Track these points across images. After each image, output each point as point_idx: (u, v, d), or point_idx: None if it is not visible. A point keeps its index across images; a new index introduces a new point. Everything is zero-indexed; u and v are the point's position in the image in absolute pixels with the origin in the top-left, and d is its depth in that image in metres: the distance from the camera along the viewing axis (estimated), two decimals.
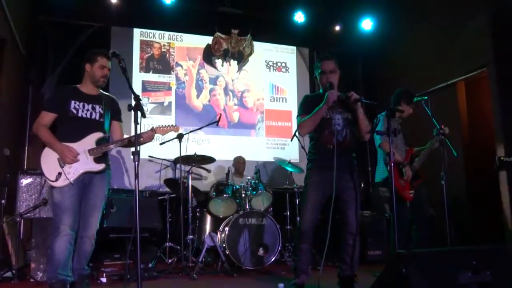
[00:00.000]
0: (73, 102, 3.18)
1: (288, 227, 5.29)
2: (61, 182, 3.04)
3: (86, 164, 3.11)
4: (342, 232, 3.21)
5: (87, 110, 3.21)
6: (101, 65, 3.22)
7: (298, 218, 5.10)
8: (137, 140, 2.68)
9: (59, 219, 3.03)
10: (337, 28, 7.05)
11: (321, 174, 3.14)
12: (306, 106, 3.28)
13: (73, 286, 3.11)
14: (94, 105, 3.24)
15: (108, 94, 3.42)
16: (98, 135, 3.18)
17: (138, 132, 2.70)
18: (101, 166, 3.16)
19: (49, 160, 3.08)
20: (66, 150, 3.05)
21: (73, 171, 3.07)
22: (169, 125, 3.37)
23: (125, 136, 3.38)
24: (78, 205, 3.12)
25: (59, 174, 3.05)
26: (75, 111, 3.17)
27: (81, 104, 3.20)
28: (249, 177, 5.16)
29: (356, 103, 3.16)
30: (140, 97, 2.81)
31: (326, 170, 3.08)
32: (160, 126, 3.34)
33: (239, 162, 5.86)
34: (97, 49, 3.33)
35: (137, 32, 6.56)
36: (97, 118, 3.24)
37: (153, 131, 3.24)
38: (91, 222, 3.14)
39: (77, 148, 3.10)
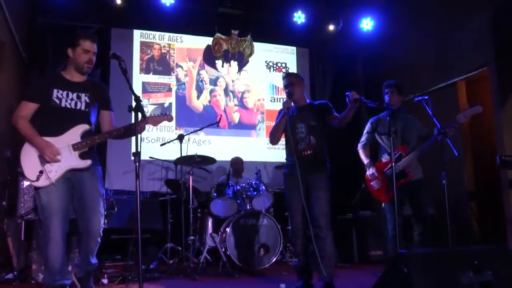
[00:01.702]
0: (55, 90, 2.88)
1: (289, 227, 5.28)
2: (42, 182, 2.76)
3: (70, 160, 2.82)
4: (312, 228, 3.35)
5: (71, 99, 2.91)
6: (84, 49, 2.91)
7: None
8: (137, 141, 2.65)
9: (48, 223, 2.78)
10: (337, 28, 7.05)
11: (293, 178, 3.37)
12: (277, 119, 3.65)
13: (81, 282, 3.02)
14: (80, 94, 2.94)
15: (95, 80, 3.14)
16: (83, 127, 2.89)
17: (138, 133, 2.67)
18: (87, 163, 2.87)
19: (29, 157, 2.79)
20: (46, 146, 2.76)
21: (55, 169, 2.78)
22: (161, 115, 3.09)
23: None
24: (67, 206, 2.87)
25: (41, 172, 2.76)
26: (57, 101, 2.87)
27: (64, 93, 2.90)
28: (249, 178, 5.16)
29: (355, 103, 3.26)
30: (141, 98, 2.73)
31: (296, 174, 3.33)
32: (152, 115, 3.04)
33: (237, 163, 5.87)
34: (81, 30, 3.04)
35: (137, 34, 6.57)
36: (83, 108, 2.93)
37: (144, 122, 2.87)
38: (93, 224, 2.89)
39: (60, 142, 2.82)
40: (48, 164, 2.78)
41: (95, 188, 2.93)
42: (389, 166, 3.80)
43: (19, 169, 2.83)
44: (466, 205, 5.34)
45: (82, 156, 2.88)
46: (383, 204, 3.96)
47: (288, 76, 3.72)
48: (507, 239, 4.69)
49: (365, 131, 4.11)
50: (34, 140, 2.79)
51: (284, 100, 3.55)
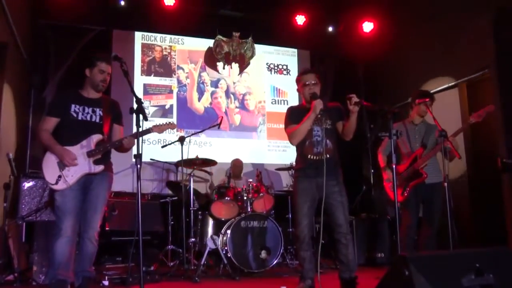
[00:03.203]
0: (73, 105, 3.22)
1: (290, 229, 5.28)
2: (60, 185, 3.08)
3: (85, 166, 3.14)
4: (335, 234, 3.37)
5: (87, 113, 3.24)
6: (100, 69, 3.24)
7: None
8: (139, 143, 2.68)
9: (61, 221, 3.06)
10: (338, 30, 7.06)
11: (308, 181, 3.37)
12: (293, 117, 3.49)
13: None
14: (95, 108, 3.28)
15: (109, 97, 3.45)
16: (97, 137, 3.21)
17: (140, 135, 2.71)
18: (100, 168, 3.18)
19: (49, 164, 3.12)
20: (65, 153, 3.08)
21: (71, 174, 3.10)
22: (166, 123, 3.37)
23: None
24: (80, 207, 3.15)
25: (59, 177, 3.08)
26: (75, 115, 3.21)
27: (81, 108, 3.24)
28: (250, 180, 5.16)
29: (356, 106, 3.24)
30: (142, 100, 2.81)
31: (311, 177, 3.34)
32: (157, 124, 3.33)
33: (236, 166, 5.86)
34: (98, 53, 3.33)
35: (138, 36, 6.58)
36: (97, 120, 3.26)
37: (149, 131, 3.23)
38: (92, 224, 3.15)
39: (76, 150, 3.14)
40: (65, 169, 3.10)
41: (102, 191, 3.24)
42: (405, 168, 3.94)
43: (41, 174, 3.22)
44: (467, 208, 5.33)
45: (96, 162, 3.19)
46: (398, 204, 3.96)
47: (313, 73, 3.53)
48: (509, 241, 4.68)
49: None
50: (54, 148, 3.12)
51: (316, 100, 3.31)
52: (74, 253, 3.14)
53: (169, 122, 3.37)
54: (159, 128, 3.30)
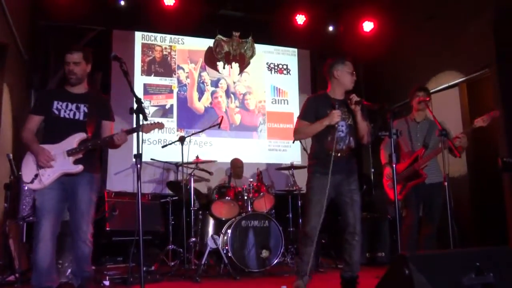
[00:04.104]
0: (55, 102, 3.10)
1: (291, 229, 5.29)
2: (35, 185, 2.98)
3: (62, 165, 3.00)
4: (344, 232, 3.31)
5: (70, 110, 3.11)
6: (65, 61, 3.12)
7: (300, 221, 5.12)
8: (139, 143, 2.66)
9: (40, 222, 2.96)
10: (338, 30, 7.05)
11: (324, 178, 3.20)
12: (308, 110, 3.35)
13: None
14: (79, 104, 3.13)
15: (97, 92, 3.27)
16: (79, 136, 3.06)
17: (140, 136, 2.69)
18: (79, 168, 3.02)
19: (28, 162, 3.03)
20: (40, 152, 2.97)
21: (48, 173, 2.98)
22: (153, 123, 3.15)
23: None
24: (60, 208, 3.04)
25: (35, 176, 2.98)
26: (57, 112, 3.08)
27: (64, 104, 3.11)
28: (251, 179, 5.16)
29: (357, 105, 3.20)
30: (142, 100, 2.78)
31: (330, 174, 3.16)
32: (144, 124, 3.01)
33: (237, 166, 5.84)
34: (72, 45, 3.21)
35: (138, 35, 6.58)
36: (81, 118, 3.11)
37: (124, 133, 3.04)
38: (82, 227, 3.05)
39: (57, 149, 3.01)
40: (42, 169, 2.97)
41: (87, 194, 3.08)
42: (406, 167, 3.93)
43: (20, 172, 3.08)
44: (468, 207, 5.33)
45: (76, 162, 3.04)
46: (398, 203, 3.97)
47: (352, 62, 3.37)
48: (509, 241, 4.68)
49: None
50: (31, 147, 3.02)
51: (334, 111, 3.17)
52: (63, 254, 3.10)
53: (158, 122, 3.17)
54: (147, 128, 3.07)
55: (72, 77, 3.13)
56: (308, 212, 3.30)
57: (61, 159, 3.00)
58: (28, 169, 3.00)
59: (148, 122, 3.06)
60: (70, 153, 3.01)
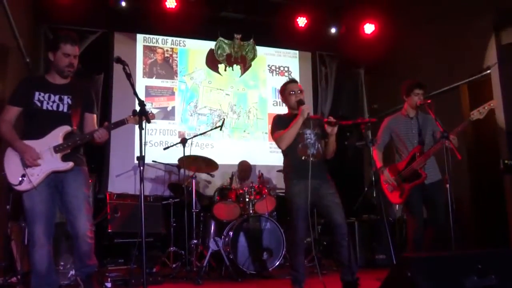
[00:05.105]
0: (37, 93, 2.86)
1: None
2: (24, 186, 2.75)
3: (51, 163, 2.80)
4: (335, 236, 3.33)
5: (53, 101, 2.89)
6: (65, 53, 2.87)
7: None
8: (142, 145, 2.66)
9: (32, 227, 2.79)
10: (340, 32, 7.06)
11: (303, 184, 3.28)
12: (280, 123, 3.51)
13: (84, 283, 3.01)
14: (62, 96, 2.92)
15: (81, 81, 3.09)
16: (64, 129, 2.85)
17: (143, 137, 2.67)
18: (69, 165, 2.83)
19: (11, 161, 2.77)
20: (25, 150, 2.75)
21: (37, 172, 2.76)
22: (141, 115, 2.82)
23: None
24: (51, 209, 2.86)
25: (23, 176, 2.74)
26: (39, 104, 2.86)
27: (46, 96, 2.88)
28: (252, 181, 5.16)
29: (334, 128, 3.31)
30: (144, 102, 2.76)
31: (305, 179, 3.24)
32: (130, 115, 2.85)
33: (245, 170, 5.82)
34: (62, 32, 2.97)
35: (140, 38, 6.60)
36: (65, 110, 2.90)
37: (123, 122, 2.88)
38: (80, 224, 2.87)
39: (42, 145, 2.80)
40: (29, 167, 2.76)
41: (79, 189, 2.91)
42: (404, 166, 3.91)
43: (3, 173, 2.80)
44: (469, 209, 5.32)
45: (65, 158, 2.86)
46: (396, 206, 3.96)
47: (296, 82, 3.63)
48: (511, 243, 4.68)
49: (380, 132, 4.10)
50: (15, 144, 2.79)
51: (303, 105, 3.37)
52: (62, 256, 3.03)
53: (148, 113, 2.85)
54: (135, 119, 2.81)
55: (70, 70, 2.94)
56: (293, 220, 3.33)
57: (48, 157, 2.80)
58: (12, 168, 2.76)
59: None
60: (58, 149, 2.82)
